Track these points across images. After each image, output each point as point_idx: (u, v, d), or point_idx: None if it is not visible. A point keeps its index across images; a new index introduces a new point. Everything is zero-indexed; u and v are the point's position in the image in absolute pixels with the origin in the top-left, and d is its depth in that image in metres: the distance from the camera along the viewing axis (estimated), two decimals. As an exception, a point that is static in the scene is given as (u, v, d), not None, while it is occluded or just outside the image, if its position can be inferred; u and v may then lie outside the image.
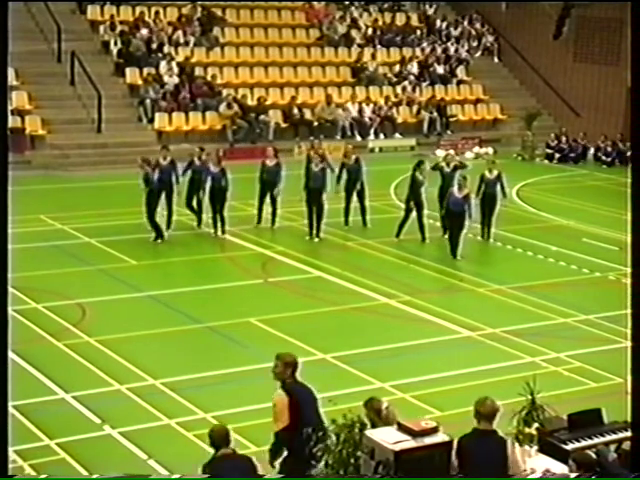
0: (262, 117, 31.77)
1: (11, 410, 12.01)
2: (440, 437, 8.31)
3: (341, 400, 11.57)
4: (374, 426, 8.79)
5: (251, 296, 17.63)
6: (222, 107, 31.27)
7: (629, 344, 6.29)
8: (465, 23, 39.54)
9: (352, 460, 8.62)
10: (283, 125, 32.28)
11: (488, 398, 8.58)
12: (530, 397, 9.63)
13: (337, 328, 16.01)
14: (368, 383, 13.45)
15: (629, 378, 6.23)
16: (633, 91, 6.39)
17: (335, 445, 8.74)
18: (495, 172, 21.05)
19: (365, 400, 9.27)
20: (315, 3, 37.29)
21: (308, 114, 32.84)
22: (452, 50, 37.76)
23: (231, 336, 15.29)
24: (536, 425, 9.28)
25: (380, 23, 38.06)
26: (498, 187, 21.06)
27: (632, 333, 6.21)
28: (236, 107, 31.38)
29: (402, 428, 8.34)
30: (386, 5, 39.04)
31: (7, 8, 6.49)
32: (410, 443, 8.16)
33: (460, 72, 37.09)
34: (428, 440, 8.23)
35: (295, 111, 32.57)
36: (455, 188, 19.94)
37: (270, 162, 22.15)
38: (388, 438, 8.21)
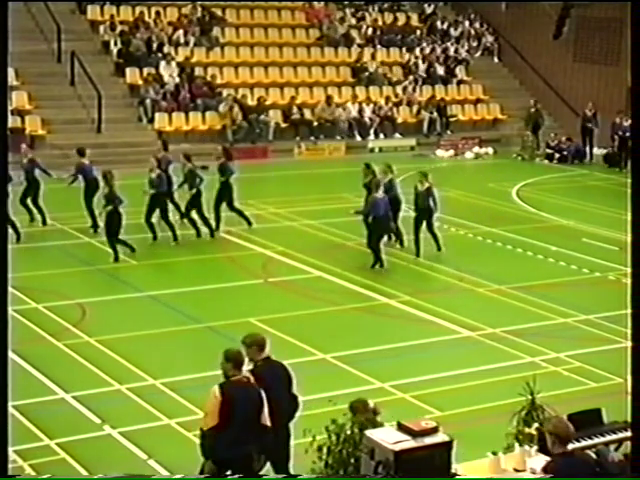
0: (262, 117, 31.77)
1: (11, 410, 12.03)
2: (440, 437, 8.31)
3: (341, 400, 11.57)
4: (374, 426, 8.80)
5: (251, 296, 17.63)
6: (222, 107, 31.27)
7: (629, 344, 6.29)
8: (465, 23, 39.55)
9: (352, 460, 8.63)
10: (283, 125, 32.29)
11: (562, 420, 8.46)
12: (530, 397, 9.64)
13: (337, 328, 16.01)
14: (368, 383, 13.45)
15: (629, 378, 6.23)
16: (633, 91, 6.39)
17: (335, 445, 8.75)
18: (426, 184, 19.73)
19: (352, 405, 9.15)
20: (315, 3, 37.30)
21: (308, 114, 32.85)
22: (452, 50, 37.77)
23: (231, 336, 15.22)
24: (536, 425, 9.28)
25: (380, 23, 38.08)
26: (430, 200, 19.77)
27: (632, 333, 6.21)
28: (236, 107, 31.38)
29: (402, 428, 8.34)
30: (386, 5, 39.05)
31: (7, 8, 6.49)
32: (410, 443, 8.16)
33: (460, 72, 37.10)
34: (428, 440, 8.23)
35: (295, 111, 32.57)
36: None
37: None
38: (388, 438, 8.21)
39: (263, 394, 9.07)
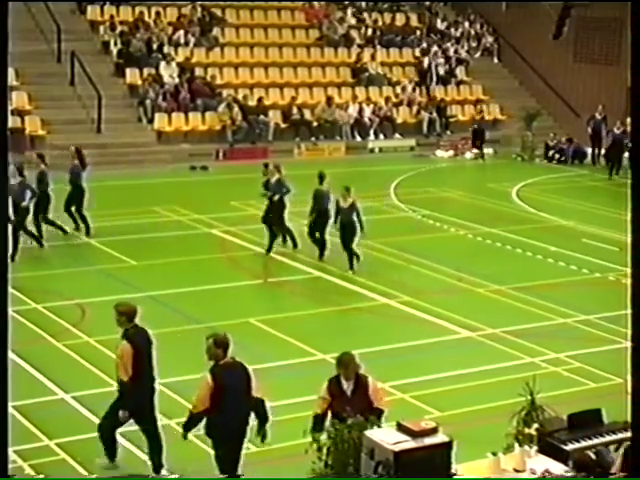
0: (262, 117, 31.78)
1: (11, 410, 12.03)
2: (440, 438, 8.31)
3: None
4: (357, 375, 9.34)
5: (251, 296, 17.64)
6: (221, 107, 31.28)
7: (629, 344, 6.29)
8: (465, 24, 39.56)
9: (352, 460, 8.63)
10: (283, 125, 32.31)
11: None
12: (530, 397, 9.64)
13: (337, 328, 16.02)
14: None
15: (629, 378, 6.23)
16: (633, 91, 6.39)
17: (335, 445, 8.75)
18: (350, 200, 18.67)
19: (342, 359, 9.47)
20: (315, 3, 37.30)
21: (308, 114, 32.85)
22: (452, 50, 37.78)
23: (231, 336, 15.26)
24: (536, 425, 9.28)
25: (380, 23, 38.09)
26: (354, 216, 18.69)
27: (632, 333, 6.21)
28: (236, 107, 31.39)
29: (402, 429, 8.35)
30: (386, 5, 39.06)
31: (7, 8, 6.48)
32: (410, 444, 8.17)
33: (460, 72, 37.11)
34: (428, 441, 8.23)
35: (295, 111, 32.58)
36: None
37: None
38: (388, 438, 8.22)
39: (249, 369, 9.88)
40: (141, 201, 24.10)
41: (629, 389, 6.24)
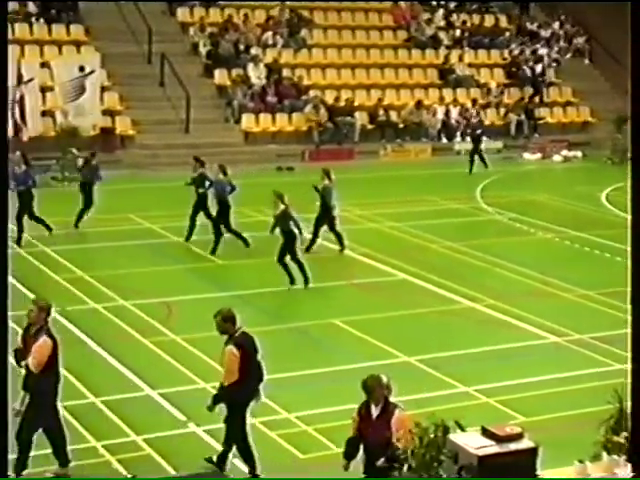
0: (348, 118, 31.82)
1: (100, 405, 12.27)
2: (525, 443, 8.20)
3: (425, 403, 11.58)
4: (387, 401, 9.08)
5: (336, 298, 17.66)
6: (308, 108, 31.40)
7: None
8: (555, 24, 39.05)
9: (435, 464, 8.57)
10: (369, 127, 32.30)
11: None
12: (619, 405, 9.45)
13: (421, 331, 15.94)
14: (452, 387, 13.36)
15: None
16: (633, 91, 6.29)
17: (418, 448, 8.70)
18: (281, 207, 17.56)
19: (367, 384, 9.15)
20: (402, 4, 37.21)
21: (394, 116, 32.78)
22: (542, 52, 37.31)
23: (315, 337, 15.34)
24: (625, 434, 9.10)
25: (468, 24, 37.82)
26: (291, 223, 17.59)
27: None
28: (322, 108, 31.49)
29: (486, 433, 8.26)
30: (474, 6, 38.77)
31: (7, 8, 6.59)
32: (494, 448, 8.07)
33: (549, 74, 36.64)
34: (513, 446, 8.12)
35: (381, 113, 32.54)
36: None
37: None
38: (472, 443, 8.13)
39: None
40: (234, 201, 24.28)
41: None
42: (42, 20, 31.00)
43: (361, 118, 32.33)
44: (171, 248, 20.24)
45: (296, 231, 17.47)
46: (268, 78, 32.25)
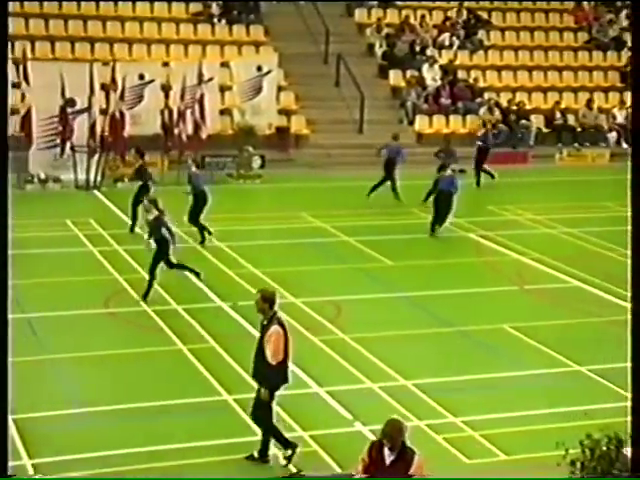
0: (523, 121, 31.31)
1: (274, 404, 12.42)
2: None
3: (597, 415, 11.23)
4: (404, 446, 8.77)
5: (505, 302, 17.39)
6: (482, 110, 31.07)
7: None
8: None
9: (606, 478, 8.33)
10: (545, 130, 31.68)
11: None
12: None
13: (594, 340, 15.49)
14: (624, 399, 12.93)
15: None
16: (633, 91, 5.99)
17: (589, 461, 8.49)
18: (154, 212, 16.39)
19: (387, 431, 8.83)
20: (586, 5, 36.33)
21: (571, 119, 32.05)
22: None
23: (483, 341, 15.15)
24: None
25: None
26: (163, 230, 16.37)
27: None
28: (497, 111, 31.10)
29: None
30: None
31: (7, 8, 6.64)
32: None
33: None
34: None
35: (558, 116, 31.88)
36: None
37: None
38: (647, 458, 7.86)
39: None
40: (396, 202, 24.31)
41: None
42: (224, 21, 31.79)
43: (537, 121, 31.75)
44: (341, 247, 20.37)
45: (169, 238, 16.27)
46: (443, 79, 32.09)
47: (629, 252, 7.92)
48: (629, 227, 7.69)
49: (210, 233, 20.03)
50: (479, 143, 27.28)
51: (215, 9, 32.00)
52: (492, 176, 26.73)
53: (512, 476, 9.44)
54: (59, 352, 14.05)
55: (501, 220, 22.73)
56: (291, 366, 11.06)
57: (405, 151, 24.86)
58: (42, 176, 24.22)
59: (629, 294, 7.94)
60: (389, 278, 18.38)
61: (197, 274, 17.26)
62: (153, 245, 16.47)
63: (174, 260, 16.76)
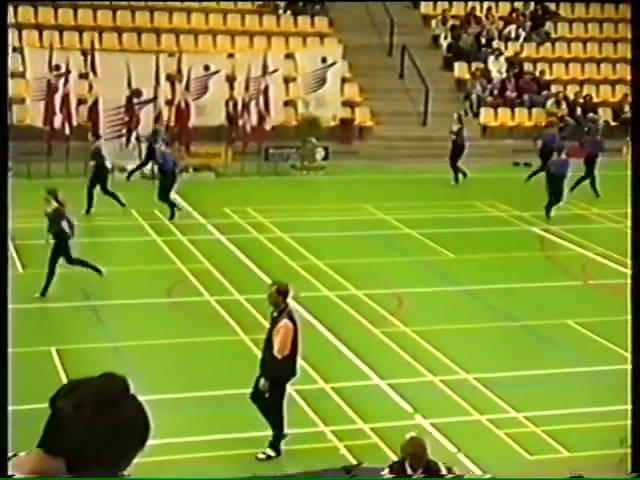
0: (591, 115, 30.91)
1: (329, 391, 12.47)
2: None
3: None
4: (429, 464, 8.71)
5: (569, 297, 17.22)
6: (549, 103, 30.74)
7: None
8: None
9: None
10: (613, 124, 31.24)
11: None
12: None
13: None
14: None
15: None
16: (633, 90, 5.87)
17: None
18: (54, 205, 15.49)
19: (410, 452, 8.76)
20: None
21: (640, 113, 31.56)
22: None
23: (546, 337, 15.02)
24: None
25: None
26: (63, 223, 15.56)
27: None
28: (564, 104, 30.75)
29: None
30: None
31: (7, 8, 6.67)
32: None
33: None
34: None
35: (626, 109, 31.39)
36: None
37: None
38: None
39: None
40: (462, 195, 24.19)
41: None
42: (289, 12, 31.85)
43: (604, 115, 31.33)
44: (404, 240, 20.32)
45: (69, 232, 15.53)
46: (508, 72, 31.81)
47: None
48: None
49: (180, 209, 20.88)
50: (453, 137, 25.84)
51: (280, 1, 32.08)
52: (464, 174, 25.47)
53: (574, 474, 9.36)
54: (122, 340, 14.23)
55: (566, 214, 22.48)
56: (299, 360, 10.99)
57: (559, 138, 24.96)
58: (108, 165, 24.49)
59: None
60: (451, 271, 18.30)
61: (99, 271, 16.19)
62: (51, 239, 15.59)
63: (74, 255, 15.82)
